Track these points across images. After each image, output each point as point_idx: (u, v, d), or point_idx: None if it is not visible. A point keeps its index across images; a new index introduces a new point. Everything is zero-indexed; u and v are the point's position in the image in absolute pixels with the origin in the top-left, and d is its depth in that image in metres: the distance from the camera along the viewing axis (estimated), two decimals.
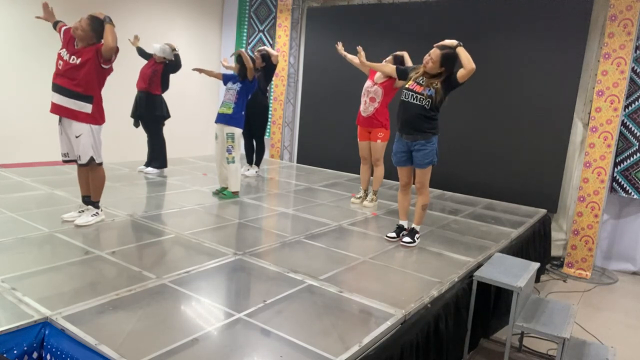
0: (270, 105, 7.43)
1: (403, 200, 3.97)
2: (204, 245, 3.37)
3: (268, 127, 7.55)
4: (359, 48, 4.52)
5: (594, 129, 5.25)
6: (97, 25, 3.43)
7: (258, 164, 6.33)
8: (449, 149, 5.75)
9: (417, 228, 3.84)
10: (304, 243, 3.64)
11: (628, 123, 5.30)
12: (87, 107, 3.47)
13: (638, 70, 5.18)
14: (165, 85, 5.69)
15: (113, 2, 6.83)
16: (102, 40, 3.44)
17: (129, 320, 2.26)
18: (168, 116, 5.79)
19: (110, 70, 3.57)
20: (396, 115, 3.78)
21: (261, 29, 8.09)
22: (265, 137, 6.83)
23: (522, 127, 5.71)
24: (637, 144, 5.28)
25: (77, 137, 3.50)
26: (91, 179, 3.69)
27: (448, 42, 3.49)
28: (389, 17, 6.59)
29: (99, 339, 2.02)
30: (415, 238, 3.79)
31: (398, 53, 4.71)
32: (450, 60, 3.48)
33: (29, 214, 3.73)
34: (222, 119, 4.84)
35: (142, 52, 5.75)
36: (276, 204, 4.95)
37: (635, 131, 5.28)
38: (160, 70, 5.57)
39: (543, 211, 5.39)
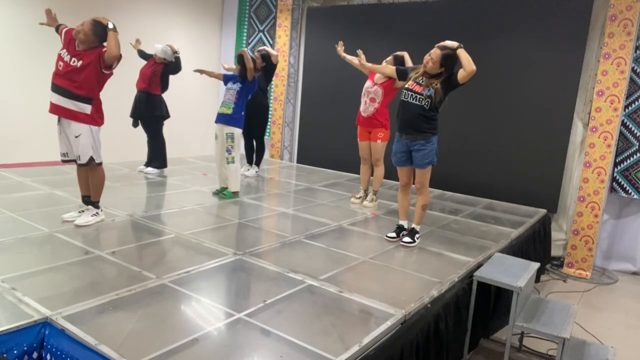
0: (270, 105, 7.43)
1: (403, 200, 3.97)
2: (204, 245, 3.37)
3: (268, 127, 7.55)
4: (359, 51, 4.52)
5: (594, 129, 5.25)
6: (100, 30, 3.43)
7: (258, 164, 6.33)
8: (449, 149, 5.75)
9: (417, 228, 3.84)
10: (304, 243, 3.64)
11: (628, 123, 5.30)
12: (86, 108, 3.47)
13: (638, 70, 5.18)
14: (164, 86, 5.70)
15: (113, 2, 6.84)
16: (105, 44, 3.44)
17: (129, 320, 2.26)
18: (168, 116, 5.79)
19: (110, 74, 3.57)
20: (396, 115, 3.78)
21: (261, 29, 8.10)
22: (265, 137, 6.83)
23: (522, 127, 5.71)
24: (637, 144, 5.28)
25: (76, 137, 3.49)
26: (91, 179, 3.69)
27: (449, 43, 3.49)
28: (389, 17, 6.59)
29: (99, 339, 2.02)
30: (415, 238, 3.79)
31: (398, 53, 4.71)
32: (450, 60, 3.48)
33: (29, 214, 3.73)
34: (221, 119, 4.84)
35: (142, 54, 5.76)
36: (276, 204, 4.95)
37: (635, 131, 5.28)
38: (160, 70, 5.57)
39: (543, 211, 5.39)
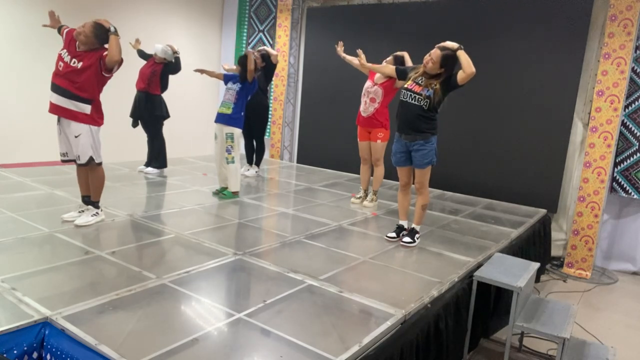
0: (270, 105, 7.43)
1: (403, 200, 3.97)
2: (204, 245, 3.37)
3: (268, 127, 7.55)
4: (359, 51, 4.52)
5: (594, 129, 5.25)
6: (101, 32, 3.43)
7: (258, 164, 6.33)
8: (449, 149, 5.75)
9: (417, 228, 3.84)
10: (304, 243, 3.64)
11: (628, 123, 5.30)
12: (86, 108, 3.47)
13: (638, 70, 5.18)
14: (164, 86, 5.70)
15: (114, 1, 6.84)
16: (106, 47, 3.43)
17: (129, 320, 2.26)
18: (167, 116, 5.79)
19: (110, 77, 3.57)
20: (395, 115, 3.78)
21: (261, 29, 8.10)
22: (265, 137, 6.83)
23: (522, 127, 5.71)
24: (637, 144, 5.28)
25: (76, 137, 3.49)
26: (91, 179, 3.69)
27: (449, 44, 3.49)
28: (389, 17, 6.59)
29: (99, 339, 2.02)
30: (415, 238, 3.79)
31: (398, 53, 4.71)
32: (450, 61, 3.48)
33: (29, 214, 3.73)
34: (221, 118, 4.84)
35: (142, 54, 5.76)
36: (276, 204, 4.95)
37: (635, 131, 5.28)
38: (160, 70, 5.57)
39: (543, 211, 5.39)
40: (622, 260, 5.57)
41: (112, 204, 4.12)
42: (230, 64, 5.97)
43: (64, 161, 3.71)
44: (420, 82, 3.61)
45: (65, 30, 3.61)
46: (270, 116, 7.37)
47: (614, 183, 5.41)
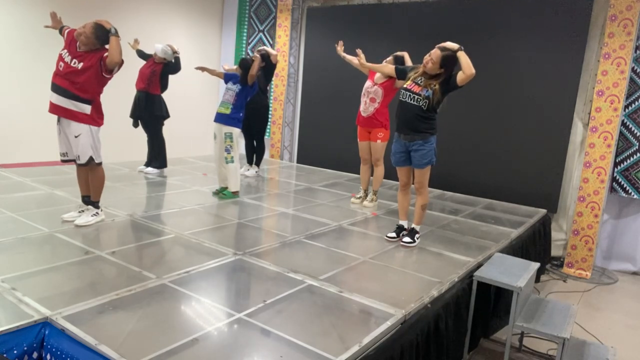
0: (270, 105, 7.43)
1: (403, 200, 3.97)
2: (204, 245, 3.37)
3: (268, 127, 7.55)
4: (359, 51, 4.52)
5: (594, 129, 5.25)
6: (101, 33, 3.43)
7: (258, 164, 6.33)
8: (449, 149, 5.75)
9: (417, 228, 3.84)
10: (304, 243, 3.64)
11: (628, 123, 5.30)
12: (86, 109, 3.47)
13: (638, 70, 5.18)
14: (164, 86, 5.69)
15: (114, 1, 6.84)
16: (107, 47, 3.43)
17: (129, 320, 2.26)
18: (167, 116, 5.79)
19: (110, 78, 3.57)
20: (395, 116, 3.78)
21: (261, 29, 8.10)
22: (265, 137, 6.83)
23: (522, 127, 5.71)
24: (637, 144, 5.28)
25: (76, 137, 3.49)
26: (91, 179, 3.69)
27: (450, 44, 3.49)
28: (389, 17, 6.59)
29: (99, 339, 2.02)
30: (415, 238, 3.79)
31: (399, 53, 4.71)
32: (450, 62, 3.48)
33: (29, 214, 3.73)
34: (220, 118, 4.85)
35: (141, 54, 5.76)
36: (276, 204, 4.95)
37: (635, 131, 5.28)
38: (159, 70, 5.57)
39: (543, 211, 5.39)
40: (622, 260, 5.57)
41: (112, 204, 4.12)
42: (230, 64, 5.97)
43: (64, 161, 3.71)
44: (419, 82, 3.61)
45: (67, 31, 3.61)
46: (270, 116, 7.37)
47: (614, 183, 5.41)
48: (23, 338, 2.07)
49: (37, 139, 5.98)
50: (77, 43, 3.45)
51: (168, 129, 5.92)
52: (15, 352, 2.02)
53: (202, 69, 5.16)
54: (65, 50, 3.48)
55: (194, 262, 3.01)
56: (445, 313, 2.82)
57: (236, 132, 4.83)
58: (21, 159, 5.98)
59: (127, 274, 2.79)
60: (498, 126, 5.89)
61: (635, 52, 5.09)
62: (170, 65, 5.63)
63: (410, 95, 3.61)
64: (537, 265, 3.49)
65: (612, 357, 3.03)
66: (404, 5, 6.54)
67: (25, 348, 2.06)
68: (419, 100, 3.57)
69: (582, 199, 5.35)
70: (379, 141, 4.86)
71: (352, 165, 6.09)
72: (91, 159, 3.56)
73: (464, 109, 5.82)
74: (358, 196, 5.11)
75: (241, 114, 4.88)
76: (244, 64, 4.87)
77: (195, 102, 8.14)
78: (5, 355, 1.97)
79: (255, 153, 6.31)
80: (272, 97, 7.75)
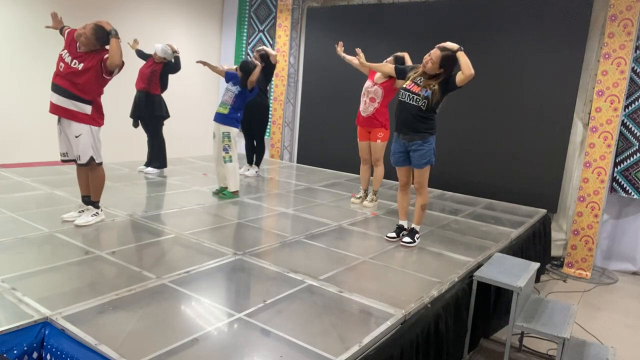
0: (270, 105, 7.43)
1: (402, 200, 3.97)
2: (204, 245, 3.37)
3: (268, 127, 7.54)
4: (358, 50, 4.51)
5: (594, 129, 5.25)
6: (101, 34, 3.43)
7: (258, 164, 6.33)
8: (449, 149, 5.76)
9: (417, 228, 3.84)
10: (304, 243, 3.64)
11: (628, 123, 5.30)
12: (86, 109, 3.47)
13: (638, 70, 5.18)
14: (164, 85, 5.69)
15: (114, 1, 6.84)
16: (107, 48, 3.43)
17: (129, 320, 2.26)
18: (167, 116, 5.79)
19: (110, 79, 3.57)
20: (394, 115, 3.78)
21: (261, 29, 8.10)
22: (266, 137, 6.82)
23: (522, 127, 5.71)
24: (637, 144, 5.28)
25: (76, 137, 3.49)
26: (91, 179, 3.69)
27: (449, 44, 3.49)
28: (389, 17, 6.59)
29: (99, 339, 2.02)
30: (415, 238, 3.79)
31: (399, 54, 4.70)
32: (450, 62, 3.48)
33: (29, 214, 3.73)
34: (218, 118, 4.86)
35: (141, 54, 5.75)
36: (276, 204, 4.95)
37: (635, 131, 5.28)
38: (159, 70, 5.57)
39: (543, 211, 5.39)
40: (622, 260, 5.57)
41: (112, 204, 4.12)
42: (229, 65, 5.97)
43: (64, 161, 3.71)
44: (419, 82, 3.61)
45: (67, 31, 3.61)
46: (270, 116, 7.37)
47: (614, 183, 5.41)
48: (23, 338, 2.07)
49: (37, 139, 5.98)
50: (77, 44, 3.45)
51: (168, 129, 5.92)
52: (15, 352, 2.02)
53: (204, 63, 5.17)
54: (66, 51, 3.48)
55: (194, 262, 3.01)
56: (445, 313, 2.82)
57: (234, 131, 4.83)
58: (21, 159, 5.98)
59: (127, 274, 2.79)
60: (498, 126, 5.89)
61: (635, 52, 5.09)
62: (170, 65, 5.63)
63: (409, 95, 3.61)
64: (537, 265, 3.49)
65: (612, 357, 3.03)
66: (404, 5, 6.54)
67: (25, 348, 2.06)
68: (418, 100, 3.57)
69: (582, 199, 5.35)
70: (378, 141, 4.86)
71: (352, 165, 6.09)
72: (92, 159, 3.56)
73: (464, 109, 5.82)
74: (358, 196, 5.11)
75: (239, 114, 4.89)
76: (245, 68, 4.87)
77: (195, 102, 8.14)
78: (5, 355, 1.97)
79: (255, 153, 6.31)
80: (272, 97, 7.75)
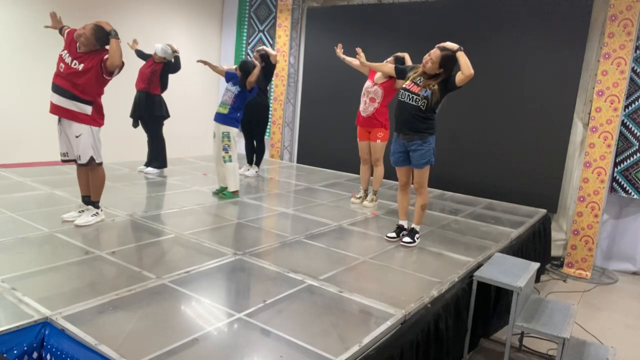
0: (270, 105, 7.43)
1: (402, 200, 3.97)
2: (204, 245, 3.37)
3: (268, 127, 7.54)
4: (358, 50, 4.51)
5: (594, 129, 5.25)
6: (101, 34, 3.43)
7: (258, 164, 6.33)
8: (449, 149, 5.76)
9: (417, 228, 3.84)
10: (304, 243, 3.64)
11: (628, 123, 5.30)
12: (87, 109, 3.47)
13: (638, 70, 5.18)
14: (164, 85, 5.69)
15: (114, 1, 6.84)
16: (107, 49, 3.43)
17: (129, 320, 2.26)
18: (167, 116, 5.79)
19: (111, 79, 3.57)
20: (394, 115, 3.78)
21: (261, 29, 8.10)
22: (266, 137, 6.82)
23: (522, 127, 5.71)
24: (637, 144, 5.28)
25: (77, 137, 3.49)
26: (91, 179, 3.69)
27: (449, 44, 3.49)
28: (389, 17, 6.59)
29: (99, 339, 2.02)
30: (415, 238, 3.79)
31: (399, 54, 4.70)
32: (449, 62, 3.48)
33: (29, 214, 3.73)
34: (218, 117, 4.86)
35: (140, 54, 5.75)
36: (276, 204, 4.95)
37: (635, 131, 5.28)
38: (159, 70, 5.57)
39: (543, 211, 5.39)
40: (622, 260, 5.57)
41: (112, 204, 4.12)
42: (229, 64, 5.96)
43: (64, 161, 3.71)
44: (418, 82, 3.61)
45: (67, 31, 3.61)
46: (270, 116, 7.37)
47: (614, 183, 5.41)
48: (23, 338, 2.07)
49: (37, 139, 5.98)
50: (77, 44, 3.45)
51: (168, 129, 5.92)
52: (15, 352, 2.02)
53: (204, 62, 5.17)
54: (66, 51, 3.48)
55: (194, 262, 3.01)
56: (445, 313, 2.82)
57: (234, 131, 4.83)
58: (21, 159, 5.98)
59: (127, 274, 2.79)
60: (498, 126, 5.89)
61: (635, 52, 5.09)
62: (170, 64, 5.63)
63: (409, 95, 3.61)
64: (537, 265, 3.49)
65: (612, 357, 3.03)
66: (404, 5, 6.54)
67: (25, 348, 2.06)
68: (417, 100, 3.57)
69: (582, 199, 5.35)
70: (378, 141, 4.86)
71: (352, 165, 6.09)
72: (92, 159, 3.56)
73: (465, 109, 5.82)
74: (358, 196, 5.11)
75: (239, 114, 4.89)
76: (244, 68, 4.87)
77: (195, 102, 8.14)
78: (5, 355, 1.97)
79: (255, 153, 6.31)
80: (272, 97, 7.75)
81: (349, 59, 4.82)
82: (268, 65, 5.87)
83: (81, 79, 3.40)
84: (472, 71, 3.39)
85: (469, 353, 3.34)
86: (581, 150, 5.47)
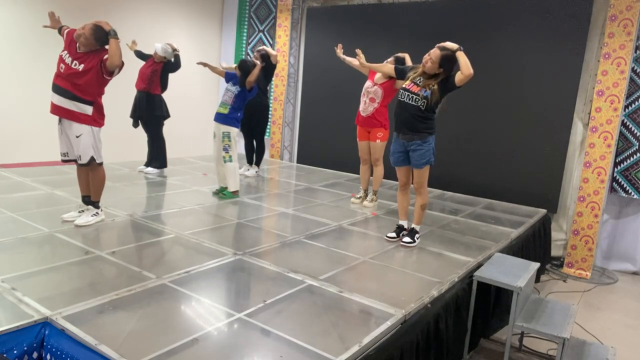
0: (270, 105, 7.43)
1: (402, 200, 3.97)
2: (204, 245, 3.37)
3: (268, 127, 7.55)
4: (358, 51, 4.51)
5: (594, 129, 5.25)
6: (100, 34, 3.43)
7: (258, 164, 6.33)
8: (449, 149, 5.76)
9: (417, 228, 3.84)
10: (304, 243, 3.64)
11: (628, 123, 5.30)
12: (87, 110, 3.47)
13: (638, 70, 5.18)
14: (164, 85, 5.69)
15: (114, 1, 6.84)
16: (107, 48, 3.43)
17: (129, 320, 2.26)
18: (168, 116, 5.79)
19: (111, 79, 3.58)
20: (394, 115, 3.78)
21: (261, 29, 8.10)
22: (265, 137, 6.83)
23: (522, 127, 5.71)
24: (637, 144, 5.28)
25: (77, 137, 3.50)
26: (91, 179, 3.69)
27: (449, 44, 3.49)
28: (389, 17, 6.59)
29: (99, 339, 2.02)
30: (415, 238, 3.79)
31: (400, 54, 4.70)
32: (449, 61, 3.48)
33: (29, 214, 3.72)
34: (218, 117, 4.87)
35: (140, 55, 5.75)
36: (276, 204, 4.95)
37: (635, 131, 5.28)
38: (160, 69, 5.57)
39: (543, 211, 5.39)
40: (622, 260, 5.57)
41: (112, 204, 4.12)
42: (228, 63, 5.95)
43: (64, 161, 3.72)
44: (418, 82, 3.61)
45: (66, 31, 3.61)
46: (270, 116, 7.37)
47: (614, 183, 5.41)
48: (23, 338, 2.07)
49: (37, 139, 5.98)
50: (77, 44, 3.45)
51: (168, 129, 5.92)
52: (15, 352, 2.02)
53: (204, 64, 5.17)
54: (66, 52, 3.48)
55: (194, 262, 3.01)
56: (445, 313, 2.82)
57: (234, 131, 4.84)
58: (21, 159, 5.98)
59: (127, 274, 2.79)
60: (498, 126, 5.89)
61: (635, 52, 5.09)
62: (170, 64, 5.63)
63: (408, 95, 3.61)
64: (537, 265, 3.49)
65: (612, 357, 3.03)
66: (404, 5, 6.54)
67: (25, 348, 2.06)
68: (417, 100, 3.57)
69: (582, 199, 5.35)
70: (378, 141, 4.86)
71: (352, 165, 6.09)
72: (92, 159, 3.57)
73: (465, 109, 5.82)
74: (358, 196, 5.11)
75: (239, 114, 4.89)
76: (244, 67, 4.87)
77: (195, 102, 8.14)
78: (5, 355, 1.97)
79: (255, 153, 6.31)
80: (272, 97, 7.75)
81: (349, 59, 4.81)
82: (268, 66, 5.87)
83: (81, 79, 3.40)
84: (471, 71, 3.39)
85: (469, 353, 3.34)
86: (581, 150, 5.46)
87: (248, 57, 8.07)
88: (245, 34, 8.29)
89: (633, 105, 5.26)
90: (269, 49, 5.99)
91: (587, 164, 5.30)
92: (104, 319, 2.25)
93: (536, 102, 5.61)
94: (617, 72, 5.06)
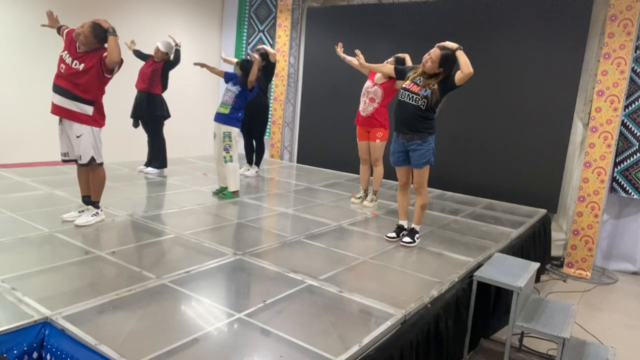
0: (270, 105, 7.43)
1: (402, 200, 3.97)
2: (204, 245, 3.37)
3: (268, 127, 7.55)
4: (357, 51, 4.51)
5: (594, 129, 5.25)
6: (99, 32, 3.43)
7: (258, 164, 6.33)
8: (449, 149, 5.76)
9: (417, 228, 3.84)
10: (304, 243, 3.64)
11: (628, 123, 5.30)
12: (88, 110, 3.48)
13: (638, 70, 5.18)
14: (165, 85, 5.69)
15: (114, 1, 6.84)
16: (106, 47, 3.43)
17: (129, 320, 2.26)
18: (168, 116, 5.79)
19: (111, 77, 3.58)
20: (394, 115, 3.78)
21: (261, 29, 8.10)
22: (265, 137, 6.82)
23: (522, 127, 5.71)
24: (637, 144, 5.28)
25: (77, 137, 3.50)
26: (91, 179, 3.69)
27: (449, 44, 3.49)
28: (389, 17, 6.59)
29: (99, 339, 2.02)
30: (415, 238, 3.79)
31: (400, 55, 4.70)
32: (449, 61, 3.48)
33: (29, 214, 3.72)
34: (219, 118, 4.86)
35: (139, 54, 5.75)
36: (276, 204, 4.95)
37: (635, 131, 5.28)
38: (160, 69, 5.57)
39: (543, 211, 5.39)
40: (622, 260, 5.57)
41: (112, 204, 4.12)
42: (227, 54, 5.90)
43: (64, 161, 3.72)
44: (418, 82, 3.61)
45: (65, 31, 3.61)
46: (270, 116, 7.37)
47: (614, 183, 5.41)
48: (23, 338, 2.07)
49: (37, 139, 5.98)
50: (77, 44, 3.45)
51: (168, 129, 5.92)
52: (15, 352, 2.02)
53: (202, 64, 5.17)
54: (66, 52, 3.48)
55: (194, 262, 3.01)
56: (445, 313, 2.82)
57: (235, 131, 4.84)
58: (21, 159, 5.98)
59: (127, 274, 2.79)
60: (498, 126, 5.89)
61: (635, 52, 5.09)
62: (170, 61, 5.63)
63: (408, 94, 3.61)
64: (537, 265, 3.49)
65: (612, 357, 3.03)
66: (404, 5, 6.54)
67: (25, 348, 2.06)
68: (417, 100, 3.57)
69: (582, 199, 5.35)
70: (377, 141, 4.86)
71: (352, 165, 6.09)
72: (92, 159, 3.57)
73: (465, 109, 5.82)
74: (358, 196, 5.11)
75: (240, 114, 4.89)
76: (245, 66, 4.87)
77: (195, 102, 8.14)
78: (5, 355, 1.97)
79: (255, 153, 6.31)
80: (272, 97, 7.75)
81: (349, 58, 4.81)
82: (268, 65, 5.86)
83: (82, 78, 3.40)
84: (471, 70, 3.39)
85: (469, 353, 3.34)
86: (581, 150, 5.47)
87: (248, 57, 8.07)
88: (245, 34, 8.29)
89: (633, 105, 5.26)
90: (268, 48, 5.99)
91: (587, 164, 5.30)
92: (104, 319, 2.25)
93: (536, 102, 5.61)
94: (617, 72, 5.06)
